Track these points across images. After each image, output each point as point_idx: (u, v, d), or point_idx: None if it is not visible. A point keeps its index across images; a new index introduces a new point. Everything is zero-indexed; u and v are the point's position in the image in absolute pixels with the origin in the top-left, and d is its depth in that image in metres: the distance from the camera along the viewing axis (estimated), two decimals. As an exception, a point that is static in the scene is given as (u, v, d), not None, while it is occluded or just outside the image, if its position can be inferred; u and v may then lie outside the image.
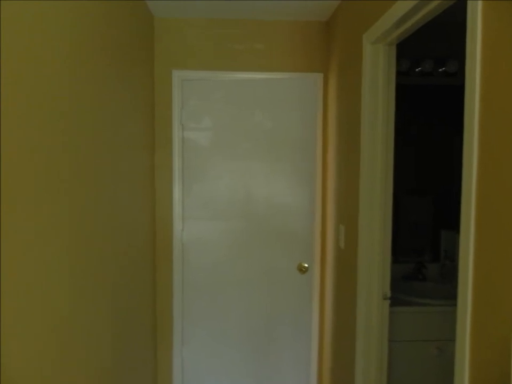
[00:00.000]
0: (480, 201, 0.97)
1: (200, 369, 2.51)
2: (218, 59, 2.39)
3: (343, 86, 2.12)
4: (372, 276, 1.78)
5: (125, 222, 1.77)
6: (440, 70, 2.54)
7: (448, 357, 2.12)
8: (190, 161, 2.44)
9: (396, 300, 2.08)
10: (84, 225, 1.28)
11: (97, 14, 1.40)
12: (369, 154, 1.74)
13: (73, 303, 1.20)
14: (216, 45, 2.39)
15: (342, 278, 2.13)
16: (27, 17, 0.93)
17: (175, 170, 2.42)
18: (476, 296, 0.99)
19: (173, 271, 2.44)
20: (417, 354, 2.14)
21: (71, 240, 1.18)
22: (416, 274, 2.50)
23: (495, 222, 0.92)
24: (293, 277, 2.49)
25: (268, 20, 2.39)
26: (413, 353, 2.14)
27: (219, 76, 2.41)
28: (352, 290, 1.92)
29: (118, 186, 1.67)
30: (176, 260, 2.44)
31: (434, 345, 2.13)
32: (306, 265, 2.46)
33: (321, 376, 2.55)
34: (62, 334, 1.13)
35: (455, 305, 1.09)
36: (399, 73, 2.05)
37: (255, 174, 2.46)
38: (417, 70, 2.53)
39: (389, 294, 1.79)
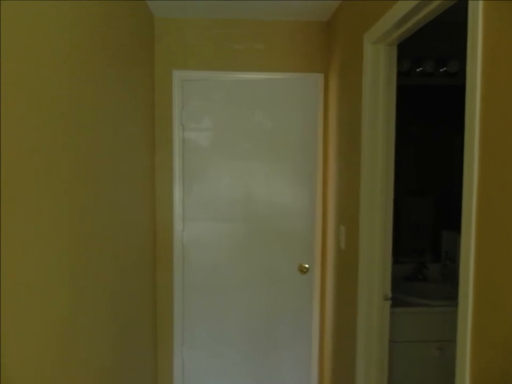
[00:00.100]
0: (481, 201, 0.97)
1: (200, 369, 2.51)
2: (219, 59, 2.39)
3: (344, 86, 2.11)
4: (373, 276, 1.78)
5: (125, 222, 1.77)
6: (441, 70, 2.53)
7: (449, 358, 2.12)
8: (190, 162, 2.43)
9: (396, 300, 2.07)
10: (83, 225, 1.27)
11: (97, 14, 1.40)
12: (369, 154, 1.74)
13: (73, 303, 1.20)
14: (216, 45, 2.39)
15: (343, 279, 2.13)
16: (27, 17, 0.93)
17: (176, 170, 2.42)
18: (477, 296, 0.99)
19: (173, 271, 2.44)
20: (418, 355, 2.14)
21: (71, 240, 1.18)
22: (417, 274, 2.50)
23: (496, 222, 0.92)
24: (293, 277, 2.49)
25: (268, 19, 2.39)
26: (414, 354, 2.14)
27: (219, 76, 2.41)
28: (352, 290, 1.92)
29: (118, 187, 1.67)
30: (176, 260, 2.44)
31: (435, 345, 2.13)
32: (307, 265, 2.46)
33: (321, 377, 2.54)
34: (62, 334, 1.13)
35: (456, 305, 1.08)
36: (400, 74, 2.05)
37: (256, 174, 2.45)
38: (418, 70, 2.53)
39: (389, 295, 1.78)
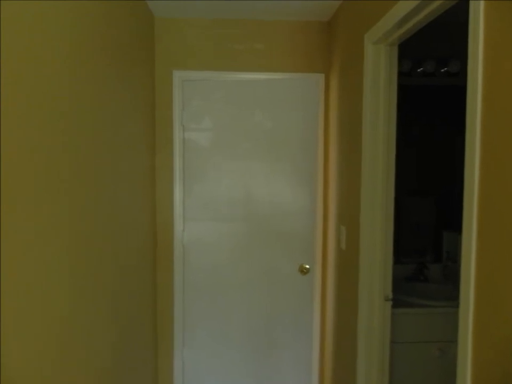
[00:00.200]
0: (482, 201, 0.97)
1: (200, 369, 2.51)
2: (219, 59, 2.39)
3: (345, 87, 2.11)
4: (374, 277, 1.77)
5: (125, 223, 1.77)
6: (442, 70, 2.53)
7: (450, 358, 2.11)
8: (191, 162, 2.43)
9: (397, 301, 2.07)
10: (83, 225, 1.27)
11: (97, 14, 1.40)
12: (370, 154, 1.74)
13: (73, 303, 1.20)
14: (216, 45, 2.39)
15: (344, 279, 2.12)
16: (27, 17, 0.93)
17: (176, 170, 2.42)
18: (478, 296, 0.99)
19: (174, 272, 2.44)
20: (419, 355, 2.13)
21: (71, 240, 1.18)
22: (418, 275, 2.49)
23: (498, 223, 0.91)
24: (294, 278, 2.48)
25: (268, 19, 2.38)
26: (415, 355, 2.13)
27: (219, 76, 2.40)
28: (353, 291, 1.91)
29: (118, 187, 1.67)
30: (176, 260, 2.44)
31: (436, 346, 2.12)
32: (307, 266, 2.46)
33: (322, 377, 2.54)
34: (62, 334, 1.12)
35: (457, 306, 1.08)
36: (400, 74, 2.04)
37: (256, 174, 2.45)
38: (419, 70, 2.52)
39: (390, 295, 1.78)
